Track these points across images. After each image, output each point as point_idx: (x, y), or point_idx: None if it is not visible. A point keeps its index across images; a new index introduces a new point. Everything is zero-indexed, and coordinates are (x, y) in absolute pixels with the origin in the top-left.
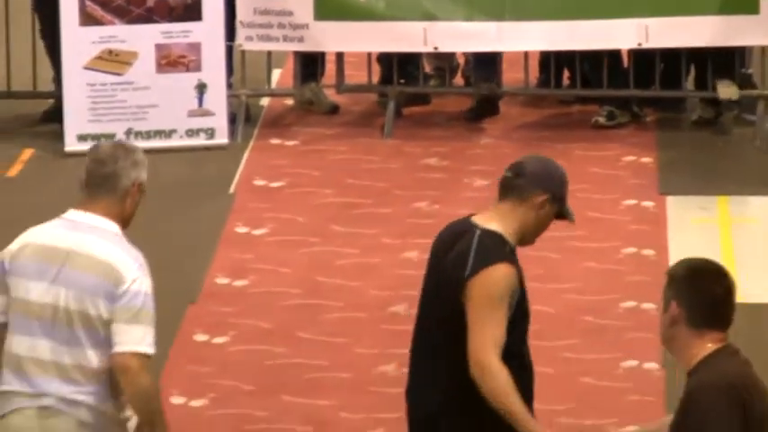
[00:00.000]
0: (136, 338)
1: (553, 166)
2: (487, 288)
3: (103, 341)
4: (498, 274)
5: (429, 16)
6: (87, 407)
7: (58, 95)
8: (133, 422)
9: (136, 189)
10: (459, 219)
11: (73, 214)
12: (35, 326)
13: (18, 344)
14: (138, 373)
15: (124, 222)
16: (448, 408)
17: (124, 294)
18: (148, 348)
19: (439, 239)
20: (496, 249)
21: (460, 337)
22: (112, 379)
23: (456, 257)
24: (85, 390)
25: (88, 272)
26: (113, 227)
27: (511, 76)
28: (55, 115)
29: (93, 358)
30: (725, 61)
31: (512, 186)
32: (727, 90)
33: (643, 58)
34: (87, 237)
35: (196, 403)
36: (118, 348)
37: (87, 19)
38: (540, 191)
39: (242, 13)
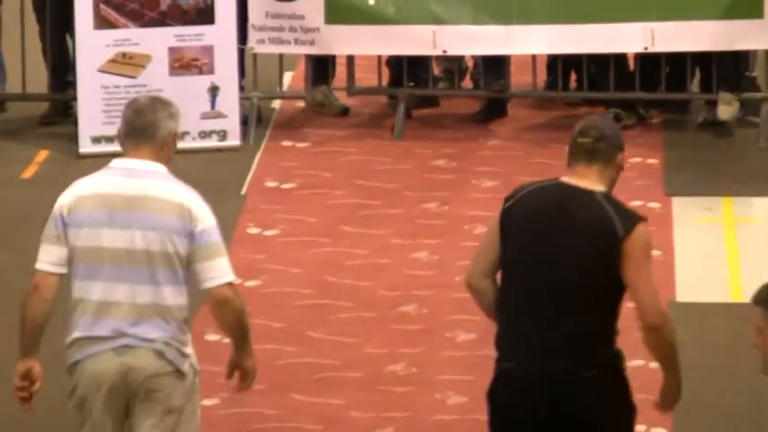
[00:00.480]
0: (223, 270)
1: (613, 122)
2: (643, 243)
3: (180, 279)
4: (647, 229)
5: (438, 20)
6: (162, 342)
7: (66, 98)
8: (194, 359)
9: (171, 139)
10: (541, 185)
11: (121, 162)
12: (108, 270)
13: (90, 290)
14: (235, 299)
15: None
16: (588, 365)
17: (202, 233)
18: (233, 276)
19: (533, 209)
20: (629, 207)
21: (602, 297)
22: (183, 315)
23: (594, 221)
24: (160, 326)
25: (162, 213)
26: (164, 169)
27: (519, 79)
28: (53, 118)
29: (168, 296)
30: (729, 65)
31: (596, 150)
32: (726, 109)
33: (649, 61)
34: (149, 181)
35: (208, 402)
36: (210, 284)
37: (101, 22)
38: (619, 151)
39: (254, 17)
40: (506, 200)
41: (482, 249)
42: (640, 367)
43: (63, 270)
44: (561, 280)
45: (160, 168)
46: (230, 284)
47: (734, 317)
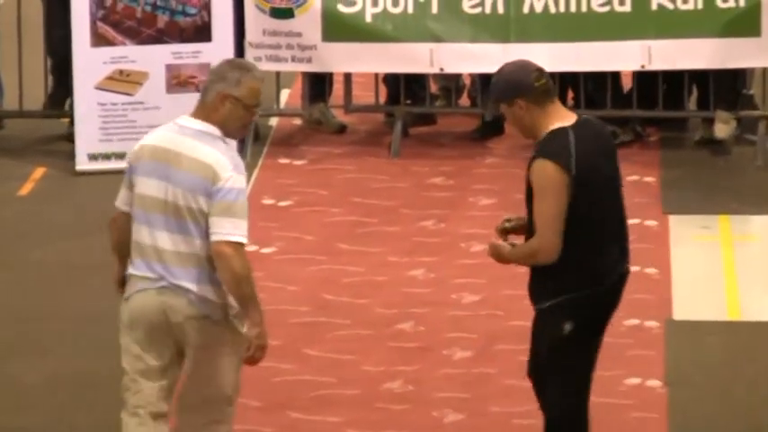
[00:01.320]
0: (228, 229)
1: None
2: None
3: (206, 233)
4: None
5: (435, 38)
6: (195, 290)
7: (69, 114)
8: (230, 304)
9: (218, 100)
10: (581, 122)
11: (182, 120)
12: (153, 218)
13: (141, 233)
14: (231, 259)
15: (225, 131)
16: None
17: (219, 191)
18: (240, 238)
19: (588, 144)
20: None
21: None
22: (213, 267)
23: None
24: (194, 275)
25: (190, 172)
26: (214, 130)
27: None
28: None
29: (201, 248)
30: (727, 83)
31: (552, 88)
32: (723, 127)
33: (646, 78)
34: (191, 140)
35: None
36: (213, 238)
37: (99, 40)
38: None
39: (251, 35)
40: (566, 166)
41: (559, 215)
42: (636, 385)
43: (125, 209)
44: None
45: (210, 129)
46: (234, 244)
47: (731, 335)
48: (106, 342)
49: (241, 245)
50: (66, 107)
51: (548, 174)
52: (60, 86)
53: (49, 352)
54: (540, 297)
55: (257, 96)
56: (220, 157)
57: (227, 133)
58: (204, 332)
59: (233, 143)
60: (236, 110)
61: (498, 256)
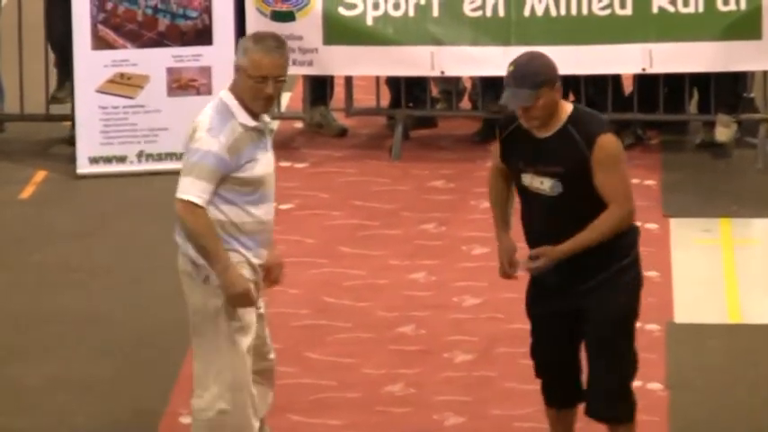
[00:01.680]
0: (183, 186)
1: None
2: None
3: None
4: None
5: (436, 41)
6: (181, 246)
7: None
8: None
9: (234, 70)
10: None
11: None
12: None
13: None
14: (183, 217)
15: (243, 103)
16: None
17: (188, 150)
18: (192, 197)
19: None
20: None
21: None
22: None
23: None
24: (180, 230)
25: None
26: (229, 99)
27: None
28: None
29: None
30: (727, 86)
31: None
32: (724, 131)
33: (647, 81)
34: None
35: None
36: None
37: (100, 43)
38: None
39: None
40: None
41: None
42: (637, 388)
43: None
44: None
45: (226, 97)
46: (185, 202)
47: (732, 338)
48: (107, 344)
49: (192, 204)
50: (68, 110)
51: (617, 145)
52: (63, 76)
53: (49, 355)
54: (615, 257)
55: (259, 68)
56: (202, 119)
57: (246, 106)
58: (187, 288)
59: (237, 113)
60: (242, 80)
61: (554, 255)
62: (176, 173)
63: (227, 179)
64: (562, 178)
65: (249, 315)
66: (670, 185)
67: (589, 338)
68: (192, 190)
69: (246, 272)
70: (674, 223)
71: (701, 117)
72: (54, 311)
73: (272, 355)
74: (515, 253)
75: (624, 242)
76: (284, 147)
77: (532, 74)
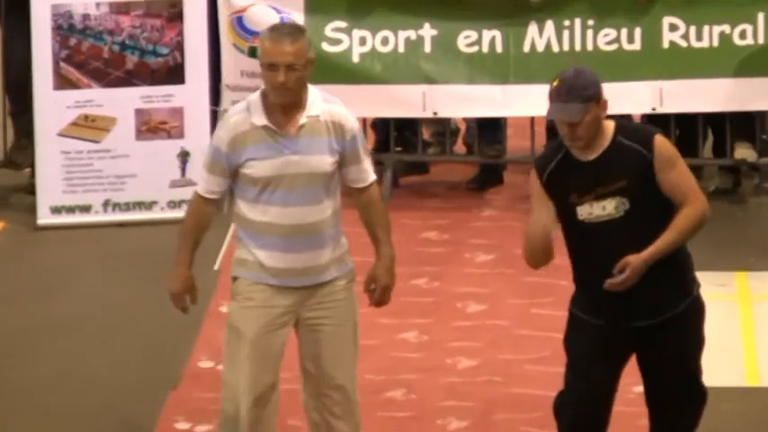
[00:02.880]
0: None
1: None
2: None
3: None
4: None
5: (428, 79)
6: None
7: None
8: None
9: None
10: None
11: None
12: None
13: None
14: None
15: (266, 99)
16: None
17: None
18: (197, 187)
19: None
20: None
21: None
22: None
23: None
24: None
25: None
26: (259, 91)
27: (516, 144)
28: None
29: None
30: (745, 127)
31: None
32: (744, 151)
33: (657, 122)
34: None
35: (202, 428)
36: None
37: (62, 82)
38: None
39: (228, 76)
40: None
41: None
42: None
43: None
44: None
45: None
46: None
47: (749, 402)
48: (72, 411)
49: (195, 193)
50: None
51: (670, 143)
52: (21, 129)
53: (7, 426)
54: (688, 288)
55: (268, 55)
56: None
57: (268, 102)
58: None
59: (253, 109)
60: (261, 69)
61: (639, 262)
62: (146, 223)
63: (237, 174)
64: (627, 192)
65: (245, 322)
66: None
67: (654, 380)
68: (199, 180)
69: (251, 274)
70: None
71: (715, 161)
72: (13, 376)
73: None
74: None
75: (687, 276)
76: None
77: (581, 87)
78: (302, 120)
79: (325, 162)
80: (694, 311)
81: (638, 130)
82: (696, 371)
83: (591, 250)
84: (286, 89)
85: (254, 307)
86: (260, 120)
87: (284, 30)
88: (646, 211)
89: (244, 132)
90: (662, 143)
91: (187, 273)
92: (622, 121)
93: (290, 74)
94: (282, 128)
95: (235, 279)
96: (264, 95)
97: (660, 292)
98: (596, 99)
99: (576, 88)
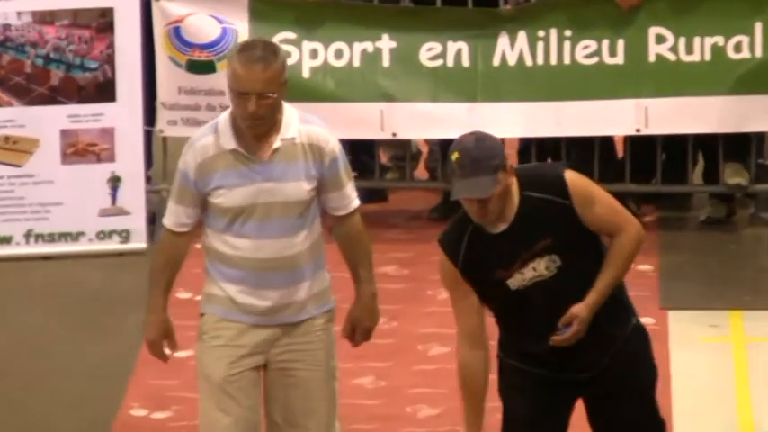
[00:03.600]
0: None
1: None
2: None
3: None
4: None
5: (387, 97)
6: None
7: None
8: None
9: None
10: None
11: None
12: None
13: None
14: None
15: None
16: None
17: None
18: (165, 219)
19: None
20: None
21: None
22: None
23: None
24: None
25: None
26: (227, 112)
27: None
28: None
29: None
30: (736, 145)
31: None
32: (734, 173)
33: (642, 145)
34: None
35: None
36: None
37: None
38: None
39: (164, 93)
40: None
41: None
42: None
43: None
44: None
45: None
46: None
47: None
48: None
49: (164, 227)
50: None
51: (582, 175)
52: None
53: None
54: (628, 313)
55: (237, 81)
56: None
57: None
58: None
59: (222, 130)
60: (229, 93)
61: (585, 311)
62: (73, 256)
63: (205, 203)
64: (555, 249)
65: (211, 364)
66: (669, 271)
67: (612, 420)
68: (167, 212)
69: (219, 309)
70: (675, 317)
71: (707, 188)
72: None
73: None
74: None
75: (622, 307)
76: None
77: (486, 157)
78: (276, 143)
79: (302, 189)
80: (638, 336)
81: (544, 177)
82: (654, 400)
83: (528, 314)
84: (257, 119)
85: (220, 346)
86: (229, 143)
87: (256, 52)
88: (580, 258)
89: (212, 157)
90: (574, 182)
91: (163, 317)
92: (521, 170)
93: (262, 102)
94: (254, 153)
95: (202, 315)
96: (234, 117)
97: (602, 328)
98: (504, 167)
99: (482, 159)
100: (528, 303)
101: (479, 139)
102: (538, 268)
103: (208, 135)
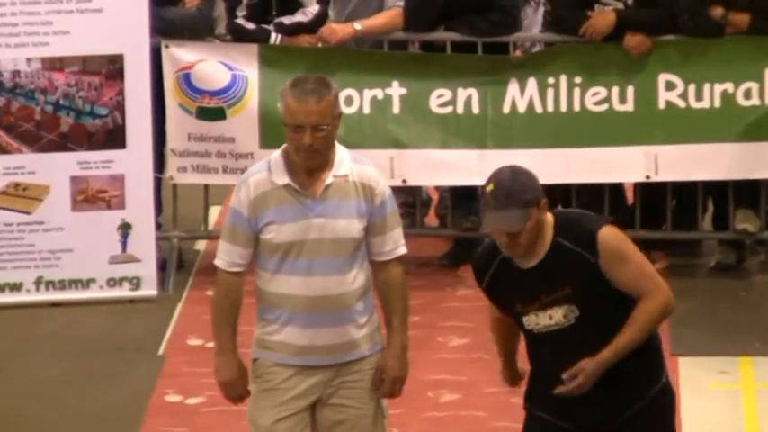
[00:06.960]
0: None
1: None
2: None
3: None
4: None
5: (397, 144)
6: None
7: None
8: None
9: None
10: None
11: None
12: None
13: None
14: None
15: (289, 157)
16: None
17: None
18: (216, 260)
19: None
20: None
21: None
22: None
23: None
24: None
25: None
26: (282, 148)
27: None
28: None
29: None
30: (747, 192)
31: None
32: (745, 219)
33: (652, 192)
34: None
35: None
36: None
37: None
38: None
39: (174, 140)
40: None
41: None
42: None
43: None
44: None
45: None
46: (216, 268)
47: None
48: None
49: (217, 267)
50: None
51: (620, 234)
52: None
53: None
54: (656, 375)
55: (292, 115)
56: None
57: (291, 160)
58: None
59: (274, 167)
60: (284, 128)
61: (594, 367)
62: (83, 303)
63: (258, 241)
64: (574, 299)
65: (262, 408)
66: (679, 318)
67: None
68: (219, 252)
69: (271, 354)
70: (685, 363)
71: (716, 235)
72: None
73: None
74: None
75: (655, 363)
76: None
77: (519, 191)
78: (329, 179)
79: (353, 227)
80: (663, 400)
81: (579, 228)
82: None
83: (543, 357)
84: (313, 151)
85: (271, 390)
86: (282, 179)
87: (309, 85)
88: (599, 313)
89: (265, 193)
90: (607, 241)
91: (235, 358)
92: (561, 214)
93: (317, 135)
94: (307, 188)
95: (254, 361)
96: (287, 153)
97: (625, 384)
98: (536, 203)
99: (514, 192)
100: (544, 345)
101: (515, 172)
102: (555, 316)
103: (261, 171)
